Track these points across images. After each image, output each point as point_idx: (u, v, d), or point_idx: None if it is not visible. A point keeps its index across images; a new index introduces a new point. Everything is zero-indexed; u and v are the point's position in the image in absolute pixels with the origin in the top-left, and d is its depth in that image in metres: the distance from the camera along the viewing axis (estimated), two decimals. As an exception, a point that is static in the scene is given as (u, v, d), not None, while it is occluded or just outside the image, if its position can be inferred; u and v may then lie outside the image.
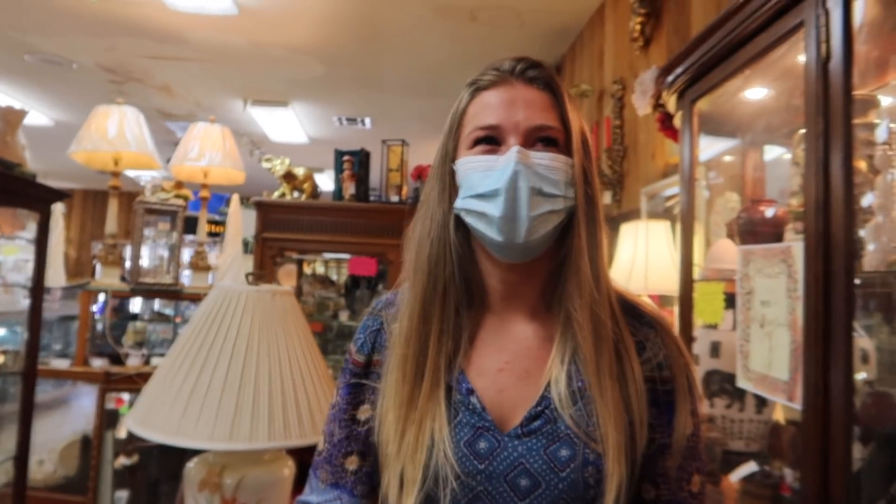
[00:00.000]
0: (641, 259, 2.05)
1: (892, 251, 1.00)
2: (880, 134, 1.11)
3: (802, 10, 1.09)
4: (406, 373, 0.74)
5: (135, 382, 2.97)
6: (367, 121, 5.47)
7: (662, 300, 2.15)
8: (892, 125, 1.11)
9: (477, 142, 0.74)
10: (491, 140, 0.73)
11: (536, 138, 0.73)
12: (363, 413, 0.81)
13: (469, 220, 0.74)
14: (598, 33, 3.24)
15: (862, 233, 1.10)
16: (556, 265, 0.76)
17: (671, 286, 1.83)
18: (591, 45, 3.35)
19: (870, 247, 1.05)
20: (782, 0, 1.14)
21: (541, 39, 3.67)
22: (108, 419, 3.26)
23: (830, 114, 1.01)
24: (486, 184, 0.71)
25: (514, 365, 0.76)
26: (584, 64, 3.46)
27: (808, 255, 1.00)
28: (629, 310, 0.77)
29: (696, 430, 0.77)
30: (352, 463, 0.81)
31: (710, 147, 1.86)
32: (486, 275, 0.78)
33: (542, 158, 0.71)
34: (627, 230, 2.16)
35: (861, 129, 1.26)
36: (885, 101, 1.25)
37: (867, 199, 1.14)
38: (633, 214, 2.53)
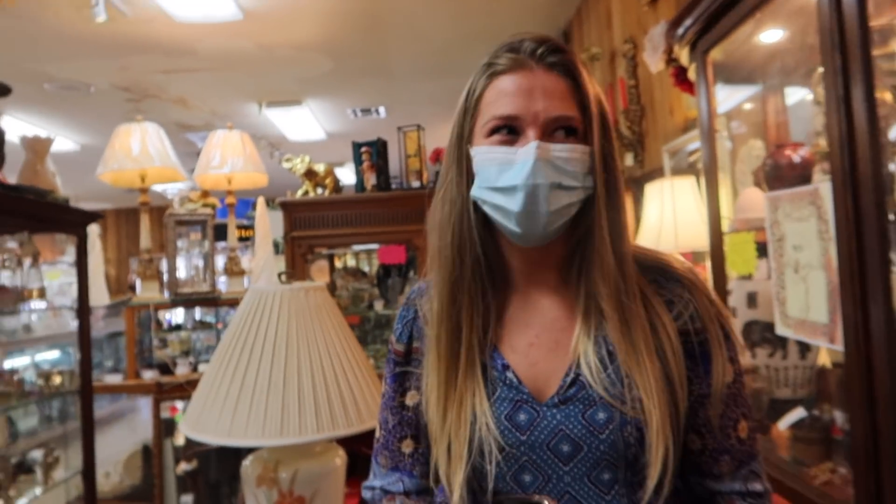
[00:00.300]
0: (669, 217, 2.02)
1: (924, 181, 0.97)
2: (901, 62, 1.07)
3: (809, -57, 1.05)
4: (441, 354, 0.76)
5: (185, 390, 3.06)
6: (382, 110, 5.48)
7: (695, 256, 2.13)
8: (913, 51, 1.07)
9: (494, 130, 0.73)
10: (509, 129, 0.72)
11: (555, 127, 0.72)
12: (411, 399, 0.83)
13: (486, 209, 0.75)
14: (604, -7, 3.18)
15: (893, 167, 1.08)
16: (575, 240, 0.76)
17: (702, 242, 1.80)
18: (598, 7, 3.29)
19: (901, 179, 1.03)
20: (788, -64, 1.11)
21: (546, 6, 3.61)
22: (165, 428, 3.38)
23: (847, 48, 0.98)
24: (505, 178, 0.71)
25: (544, 338, 0.77)
26: (592, 26, 3.40)
27: (836, 194, 0.99)
28: (655, 269, 0.77)
29: (738, 376, 0.77)
30: (407, 446, 0.84)
31: (731, 97, 1.82)
32: (507, 255, 0.79)
33: (562, 151, 0.70)
34: (652, 190, 2.13)
35: (883, 60, 1.22)
36: (906, 27, 1.20)
37: (894, 133, 1.11)
38: (656, 173, 2.49)
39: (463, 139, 0.77)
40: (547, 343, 0.77)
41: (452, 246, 0.76)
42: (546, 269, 0.79)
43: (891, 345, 0.92)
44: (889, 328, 0.92)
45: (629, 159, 2.78)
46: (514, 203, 0.70)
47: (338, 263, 4.10)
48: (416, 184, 3.12)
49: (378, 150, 2.99)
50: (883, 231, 0.93)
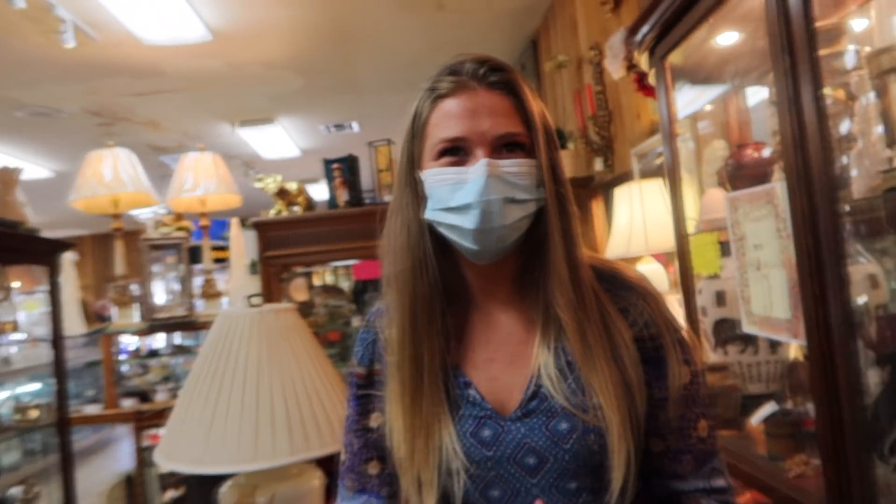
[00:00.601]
0: (639, 220, 2.05)
1: (875, 176, 0.99)
2: (848, 61, 1.10)
3: (753, -52, 1.08)
4: (405, 381, 0.76)
5: (165, 417, 3.02)
6: (355, 125, 5.48)
7: (667, 257, 2.15)
8: (858, 47, 1.10)
9: (442, 153, 0.74)
10: (457, 151, 0.73)
11: (502, 144, 0.73)
12: (374, 421, 0.83)
13: (442, 230, 0.75)
14: (569, 2, 3.22)
15: (845, 159, 1.10)
16: (528, 253, 0.77)
17: (671, 243, 1.83)
18: (563, 15, 3.33)
19: (853, 173, 1.05)
20: (733, -58, 1.13)
21: (511, 17, 3.65)
22: (147, 456, 3.33)
23: (795, 49, 1.00)
24: (458, 197, 0.71)
25: (502, 352, 0.78)
26: (559, 35, 3.45)
27: (790, 192, 1.01)
28: (609, 278, 0.79)
29: (695, 377, 0.78)
30: (374, 468, 0.84)
31: (698, 98, 1.86)
32: (463, 273, 0.80)
33: (511, 166, 0.71)
34: (621, 194, 2.16)
35: (833, 59, 1.25)
36: (858, 25, 1.24)
37: (846, 127, 1.13)
38: (626, 177, 2.52)
39: (413, 164, 0.77)
40: (505, 357, 0.77)
41: (411, 270, 0.77)
42: (502, 283, 0.80)
43: (849, 338, 0.94)
44: (847, 322, 0.94)
45: (599, 164, 2.81)
46: (470, 221, 0.71)
47: (317, 280, 4.08)
48: (388, 198, 3.12)
49: (349, 165, 3.00)
50: (836, 227, 0.95)
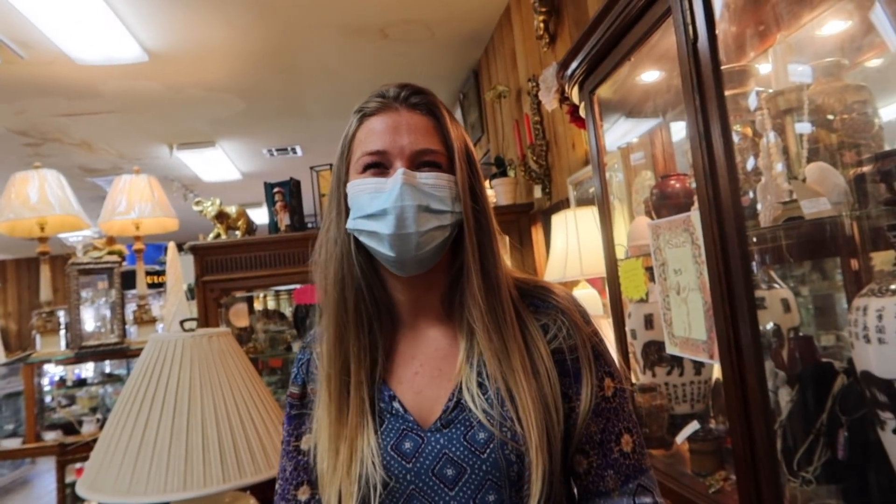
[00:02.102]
0: (574, 246, 2.12)
1: (777, 207, 1.08)
2: (752, 101, 1.19)
3: (668, -3, 1.16)
4: (332, 393, 0.78)
5: (91, 450, 2.88)
6: (298, 149, 5.46)
7: (602, 283, 2.23)
8: (761, 90, 1.19)
9: (366, 167, 0.78)
10: (379, 165, 0.77)
11: (421, 161, 0.77)
12: (305, 443, 0.84)
13: (362, 238, 0.79)
14: (508, 35, 3.33)
15: (752, 194, 1.19)
16: (455, 273, 0.81)
17: (604, 268, 1.90)
18: (503, 48, 3.45)
19: (759, 206, 1.13)
20: (650, -11, 1.22)
21: (454, 47, 3.75)
22: (73, 493, 3.15)
23: (704, 89, 1.08)
24: (375, 204, 0.75)
25: (427, 367, 0.80)
26: (499, 66, 3.56)
27: (703, 220, 1.08)
28: (534, 295, 0.82)
29: (619, 391, 0.80)
30: (304, 493, 0.85)
31: (629, 131, 1.96)
32: (391, 289, 0.82)
33: (427, 178, 0.76)
34: (558, 220, 2.23)
35: (741, 98, 1.35)
36: (762, 69, 1.34)
37: (752, 163, 1.23)
38: (563, 204, 2.61)
39: (340, 181, 0.81)
40: (430, 371, 0.80)
41: (336, 283, 0.80)
42: (430, 300, 0.82)
43: (759, 358, 1.01)
44: (756, 343, 1.01)
45: (538, 191, 2.90)
46: (386, 226, 0.74)
47: (258, 305, 4.01)
48: (332, 222, 3.12)
49: (291, 189, 2.99)
50: (745, 254, 1.02)
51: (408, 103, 0.78)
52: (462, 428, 0.75)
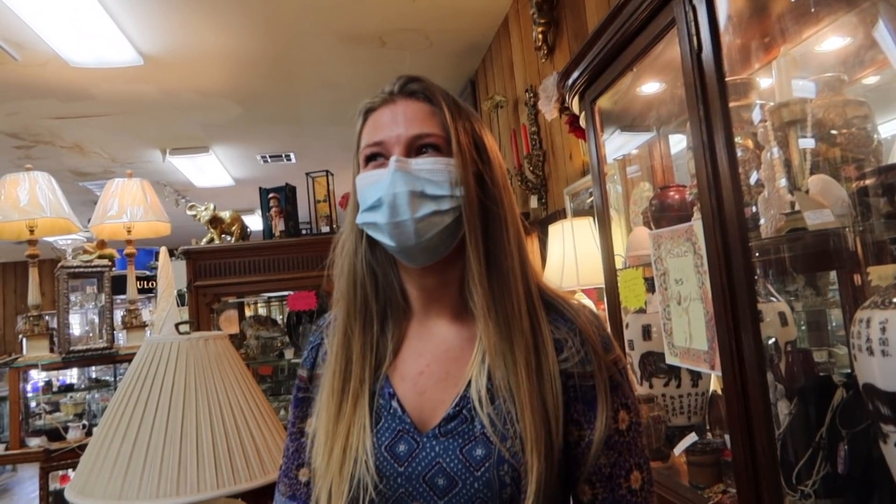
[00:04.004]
0: (571, 256, 2.12)
1: (780, 218, 1.08)
2: (755, 114, 1.20)
3: (672, 8, 1.17)
4: (334, 388, 0.77)
5: (78, 455, 2.82)
6: (292, 156, 5.45)
7: (598, 293, 2.23)
8: (763, 102, 1.20)
9: (367, 159, 0.77)
10: (379, 156, 0.77)
11: (419, 146, 0.76)
12: (310, 426, 0.82)
13: (368, 231, 0.78)
14: (506, 46, 3.35)
15: (754, 206, 1.19)
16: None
17: (601, 278, 1.90)
18: (501, 58, 3.46)
19: (762, 218, 1.14)
20: (654, 1, 1.22)
21: (452, 58, 3.76)
22: (57, 500, 3.09)
23: (708, 100, 1.08)
24: (372, 195, 0.75)
25: (434, 367, 0.78)
26: (497, 76, 3.57)
27: (706, 231, 1.08)
28: (552, 306, 0.79)
29: (634, 425, 0.76)
30: (304, 475, 0.84)
31: (627, 143, 1.96)
32: (406, 283, 0.81)
33: (423, 163, 0.74)
34: (554, 230, 2.23)
35: (743, 110, 1.36)
36: (764, 82, 1.35)
37: (755, 175, 1.23)
38: (559, 215, 2.61)
39: (353, 177, 0.81)
40: (437, 372, 0.77)
41: (348, 281, 0.80)
42: (444, 295, 0.80)
43: (761, 369, 1.01)
44: (759, 354, 1.01)
45: (534, 201, 2.90)
46: (382, 216, 0.74)
47: (249, 312, 3.97)
48: (325, 229, 3.11)
49: (287, 195, 2.97)
50: (748, 265, 1.02)
51: (404, 92, 0.78)
52: (460, 440, 0.72)
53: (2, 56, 2.94)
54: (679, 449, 1.40)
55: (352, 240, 0.80)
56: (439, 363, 0.78)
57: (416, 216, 0.73)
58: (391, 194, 0.73)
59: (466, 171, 0.75)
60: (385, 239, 0.75)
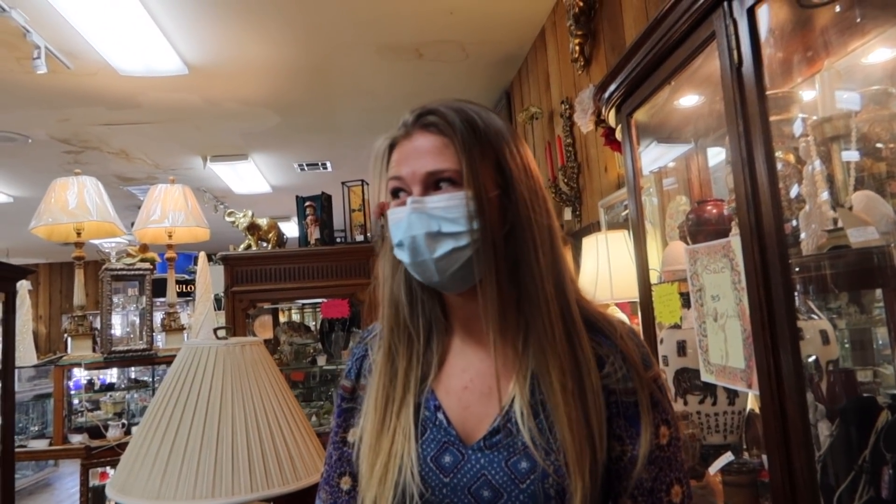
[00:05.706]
0: (605, 270, 2.10)
1: (821, 235, 1.06)
2: (796, 128, 1.18)
3: (712, 21, 1.16)
4: (378, 401, 0.79)
5: (117, 454, 2.91)
6: (328, 164, 5.53)
7: (632, 307, 2.20)
8: (806, 116, 1.18)
9: (393, 194, 0.79)
10: (401, 191, 0.78)
11: (435, 181, 0.76)
12: (352, 436, 0.85)
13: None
14: (542, 57, 3.36)
15: (794, 222, 1.17)
16: (513, 288, 0.78)
17: (635, 292, 1.88)
18: (537, 70, 3.47)
19: (802, 234, 1.11)
20: (694, 14, 1.21)
21: (488, 69, 3.78)
22: (95, 496, 3.18)
23: (748, 114, 1.07)
24: (396, 235, 0.77)
25: (478, 382, 0.79)
26: (532, 87, 3.57)
27: (745, 247, 1.06)
28: (592, 325, 0.79)
29: (674, 440, 0.78)
30: (346, 483, 0.86)
31: (662, 156, 1.95)
32: (446, 303, 0.83)
33: (438, 201, 0.74)
34: (588, 243, 2.22)
35: (784, 125, 1.34)
36: (806, 96, 1.33)
37: (796, 190, 1.21)
38: (594, 227, 2.59)
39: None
40: (481, 387, 0.79)
41: (391, 302, 0.82)
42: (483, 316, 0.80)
43: (800, 389, 0.98)
44: (798, 373, 0.98)
45: (568, 214, 2.89)
46: (405, 255, 0.76)
47: (283, 318, 4.04)
48: (360, 238, 3.15)
49: (322, 204, 3.02)
50: (787, 282, 1.00)
51: (420, 124, 0.78)
52: (505, 453, 0.74)
53: (56, 65, 3.07)
54: (714, 468, 1.38)
55: (390, 265, 0.82)
56: (482, 378, 0.79)
57: (435, 256, 0.74)
58: (409, 237, 0.74)
59: (481, 202, 0.74)
60: (414, 274, 0.78)
